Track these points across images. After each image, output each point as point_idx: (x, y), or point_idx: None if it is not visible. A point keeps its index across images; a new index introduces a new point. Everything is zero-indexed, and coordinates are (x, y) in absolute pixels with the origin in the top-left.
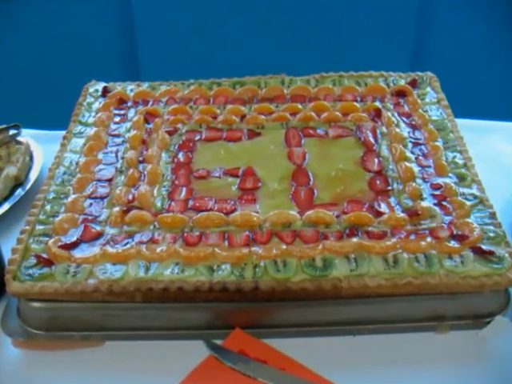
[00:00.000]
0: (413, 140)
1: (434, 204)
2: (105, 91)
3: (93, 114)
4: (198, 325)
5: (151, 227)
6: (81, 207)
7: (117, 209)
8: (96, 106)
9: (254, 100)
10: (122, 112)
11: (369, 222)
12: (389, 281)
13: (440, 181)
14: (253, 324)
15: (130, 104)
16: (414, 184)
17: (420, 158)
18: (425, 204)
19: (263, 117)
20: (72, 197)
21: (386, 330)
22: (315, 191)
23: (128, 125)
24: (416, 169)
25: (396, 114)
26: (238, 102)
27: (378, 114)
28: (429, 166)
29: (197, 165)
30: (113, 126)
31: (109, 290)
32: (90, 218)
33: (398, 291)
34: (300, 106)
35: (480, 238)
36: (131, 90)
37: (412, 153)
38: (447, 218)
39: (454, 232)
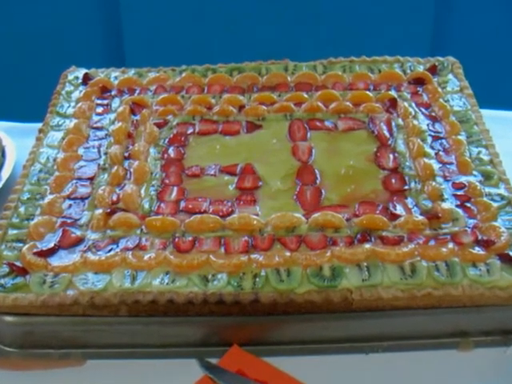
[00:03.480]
0: (432, 133)
1: (457, 206)
2: (86, 79)
3: (72, 104)
4: (191, 341)
5: (138, 231)
6: (59, 209)
7: (99, 211)
8: (76, 95)
9: (253, 89)
10: (105, 102)
11: (383, 226)
12: (405, 292)
13: (463, 179)
14: (252, 340)
15: (114, 93)
16: (433, 183)
17: (440, 153)
18: (446, 206)
19: (264, 107)
20: (49, 197)
21: (402, 348)
22: (322, 191)
23: (112, 116)
24: (436, 166)
25: (414, 105)
26: (236, 91)
27: (393, 104)
28: (450, 163)
29: (189, 161)
30: (95, 118)
31: (90, 303)
32: (69, 221)
33: (416, 304)
34: (305, 96)
35: (508, 244)
36: (115, 78)
37: (431, 148)
38: (471, 222)
39: (479, 237)
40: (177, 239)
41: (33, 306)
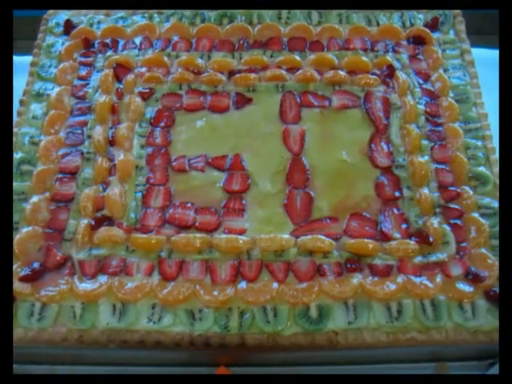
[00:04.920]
0: (430, 118)
1: (448, 224)
2: (68, 27)
3: (54, 62)
4: (180, 362)
5: (123, 250)
6: (43, 216)
7: (84, 223)
8: (58, 48)
9: (244, 44)
10: (89, 60)
11: (373, 253)
12: (390, 335)
13: (457, 188)
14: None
15: (97, 47)
16: (426, 192)
17: (435, 148)
18: (437, 225)
19: (255, 75)
20: (33, 200)
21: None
22: (313, 195)
23: (95, 81)
24: (431, 167)
25: (412, 73)
26: (226, 47)
27: (390, 72)
28: (445, 162)
29: (175, 148)
30: (77, 83)
31: (79, 341)
32: (53, 233)
33: (399, 345)
34: (298, 59)
35: (496, 280)
36: (98, 24)
37: (428, 138)
38: (462, 244)
39: (469, 269)
40: (163, 262)
41: (21, 341)
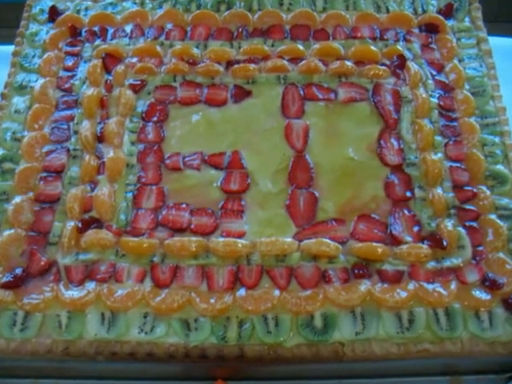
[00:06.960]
0: (443, 112)
1: (463, 226)
2: (53, 14)
3: (38, 52)
4: (174, 376)
5: (113, 255)
6: (26, 218)
7: (70, 225)
8: (42, 37)
9: (243, 32)
10: (75, 50)
11: (382, 257)
12: (401, 346)
13: (473, 188)
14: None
15: (84, 35)
16: (440, 192)
17: (450, 144)
18: (451, 228)
19: (254, 66)
20: (15, 200)
21: None
22: (317, 195)
23: (82, 72)
24: (445, 165)
25: (424, 64)
26: (223, 36)
27: (401, 62)
28: (460, 160)
29: (169, 144)
30: (63, 74)
31: (65, 353)
32: (37, 236)
33: (410, 357)
34: (302, 48)
35: None
36: (86, 11)
37: (441, 134)
38: (478, 248)
39: (486, 275)
40: (155, 268)
41: (3, 353)
